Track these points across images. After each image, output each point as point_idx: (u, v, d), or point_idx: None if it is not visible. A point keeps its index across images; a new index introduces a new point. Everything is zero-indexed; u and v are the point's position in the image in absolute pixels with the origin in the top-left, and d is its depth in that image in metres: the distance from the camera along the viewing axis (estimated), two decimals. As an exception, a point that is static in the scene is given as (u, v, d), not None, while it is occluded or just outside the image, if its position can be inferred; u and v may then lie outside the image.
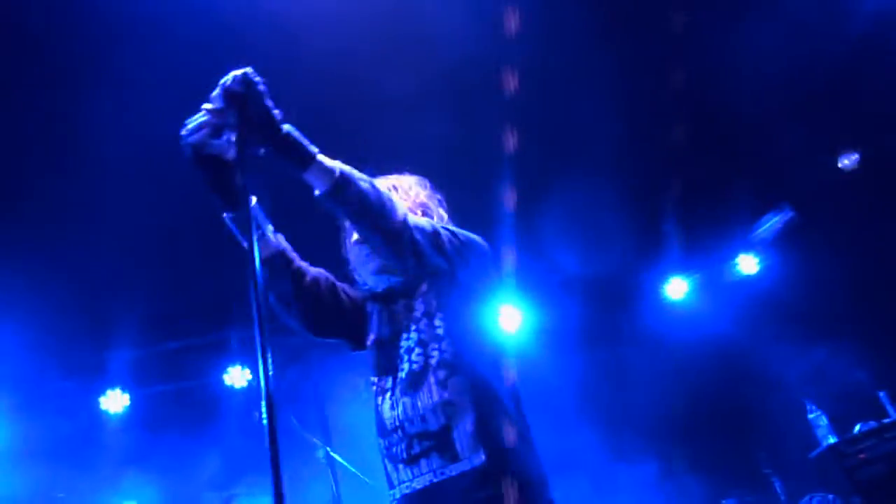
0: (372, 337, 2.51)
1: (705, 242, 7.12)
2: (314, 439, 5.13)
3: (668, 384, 6.74)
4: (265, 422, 1.74)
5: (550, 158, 5.99)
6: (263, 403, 1.70)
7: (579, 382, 6.60)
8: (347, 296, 2.57)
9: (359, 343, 2.55)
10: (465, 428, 2.24)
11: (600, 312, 6.97)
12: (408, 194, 2.60)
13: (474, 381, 2.30)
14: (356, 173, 2.20)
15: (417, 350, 2.36)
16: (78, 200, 5.37)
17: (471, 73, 5.26)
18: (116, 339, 6.60)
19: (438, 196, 2.66)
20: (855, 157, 6.37)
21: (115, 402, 6.58)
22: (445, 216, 2.63)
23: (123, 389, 6.62)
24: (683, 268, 7.21)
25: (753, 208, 7.02)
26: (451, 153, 5.40)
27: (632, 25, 5.52)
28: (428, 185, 2.67)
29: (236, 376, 6.75)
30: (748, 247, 7.17)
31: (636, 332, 7.06)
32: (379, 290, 2.51)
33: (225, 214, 2.27)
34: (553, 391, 6.37)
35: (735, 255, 7.24)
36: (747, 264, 7.23)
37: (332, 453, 5.06)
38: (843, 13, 5.38)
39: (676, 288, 7.25)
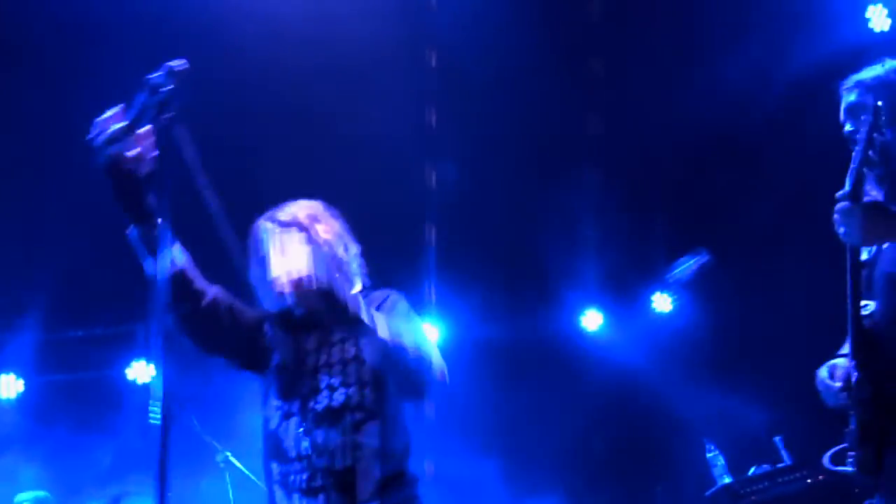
0: (276, 360, 2.49)
1: (624, 278, 7.27)
2: (214, 443, 5.01)
3: (578, 417, 6.84)
4: (157, 421, 1.70)
5: (468, 185, 6.05)
6: (158, 403, 1.67)
7: (489, 412, 6.63)
8: (244, 315, 2.54)
9: (252, 363, 2.53)
10: (369, 474, 2.28)
11: (516, 339, 7.03)
12: (330, 226, 2.58)
13: (388, 431, 2.36)
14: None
15: (341, 389, 2.37)
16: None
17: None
18: (17, 322, 6.34)
19: (342, 222, 2.65)
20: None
21: (7, 387, 6.29)
22: (353, 248, 2.61)
23: (18, 375, 6.35)
24: (601, 300, 7.34)
25: (672, 249, 7.22)
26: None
27: (555, 71, 5.66)
28: (330, 211, 2.66)
29: (140, 371, 6.55)
30: (664, 286, 7.35)
31: (550, 363, 7.15)
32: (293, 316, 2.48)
33: (129, 230, 2.20)
34: (463, 420, 6.39)
35: (651, 292, 7.41)
36: (662, 303, 7.41)
37: (231, 458, 4.93)
38: (763, 76, 5.63)
39: (592, 319, 7.37)
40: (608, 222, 6.61)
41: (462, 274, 6.57)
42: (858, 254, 2.40)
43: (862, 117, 2.40)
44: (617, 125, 6.22)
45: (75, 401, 6.38)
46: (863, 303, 2.44)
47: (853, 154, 2.34)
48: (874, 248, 2.46)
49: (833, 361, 2.59)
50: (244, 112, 5.39)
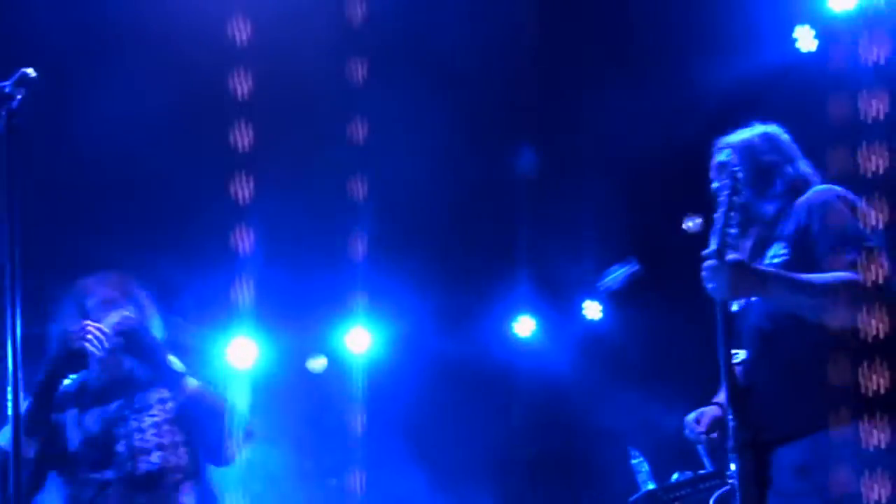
0: (80, 436, 2.61)
1: (556, 285, 7.35)
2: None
3: (508, 424, 6.88)
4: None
5: (398, 192, 6.02)
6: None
7: (419, 419, 6.61)
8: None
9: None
10: None
11: (447, 347, 7.03)
12: (143, 299, 2.90)
13: (205, 490, 2.56)
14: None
15: (158, 453, 2.53)
16: None
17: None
18: None
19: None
20: (699, 221, 6.76)
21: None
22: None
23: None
24: (533, 306, 7.40)
25: (603, 258, 7.32)
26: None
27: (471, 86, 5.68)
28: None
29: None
30: (595, 294, 7.44)
31: (481, 370, 7.17)
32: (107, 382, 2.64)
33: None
34: (393, 428, 6.37)
35: (583, 300, 7.50)
36: (592, 310, 7.50)
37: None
38: (692, 94, 5.76)
39: (525, 326, 7.42)
40: (541, 229, 6.66)
41: (392, 280, 6.54)
42: (728, 307, 2.55)
43: (725, 179, 2.60)
44: (552, 134, 6.28)
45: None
46: (734, 352, 2.61)
47: (716, 215, 2.51)
48: (744, 301, 2.63)
49: (702, 409, 2.80)
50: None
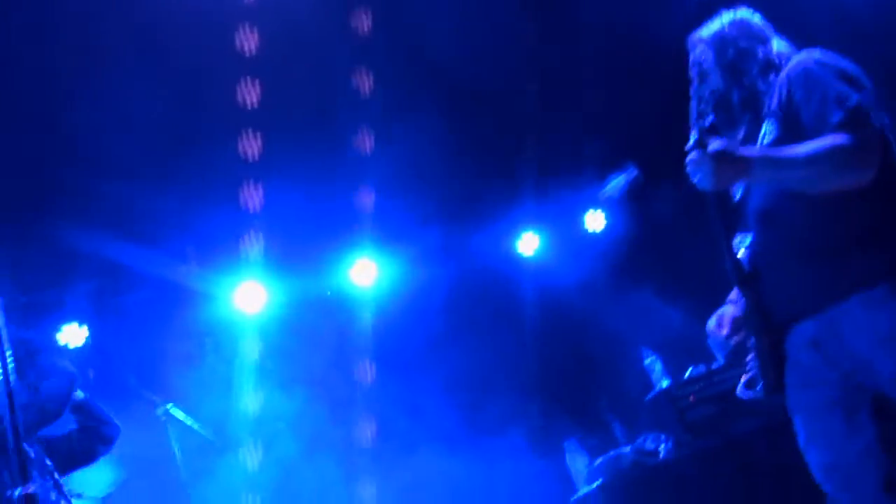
0: None
1: (557, 198, 7.31)
2: (153, 397, 4.94)
3: (521, 342, 6.92)
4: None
5: (401, 117, 5.93)
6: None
7: (431, 344, 6.63)
8: None
9: None
10: None
11: (453, 269, 7.02)
12: None
13: None
14: None
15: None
16: None
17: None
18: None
19: None
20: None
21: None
22: None
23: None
24: (535, 223, 7.37)
25: (602, 167, 7.26)
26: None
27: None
28: None
29: (71, 335, 6.35)
30: (596, 204, 7.42)
31: (489, 289, 7.18)
32: None
33: None
34: (406, 357, 6.39)
35: (584, 211, 7.48)
36: (595, 221, 7.48)
37: (172, 410, 4.88)
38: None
39: (528, 243, 7.41)
40: (540, 143, 6.58)
41: (393, 208, 6.51)
42: (721, 196, 2.56)
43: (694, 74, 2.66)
44: (552, 41, 6.13)
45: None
46: (739, 238, 2.64)
47: (691, 108, 2.52)
48: (743, 186, 2.62)
49: (720, 311, 2.76)
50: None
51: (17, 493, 1.52)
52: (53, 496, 2.88)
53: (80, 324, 6.29)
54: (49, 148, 5.07)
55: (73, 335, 6.34)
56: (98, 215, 5.50)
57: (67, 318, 6.36)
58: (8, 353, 1.70)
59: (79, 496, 4.16)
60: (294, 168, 5.88)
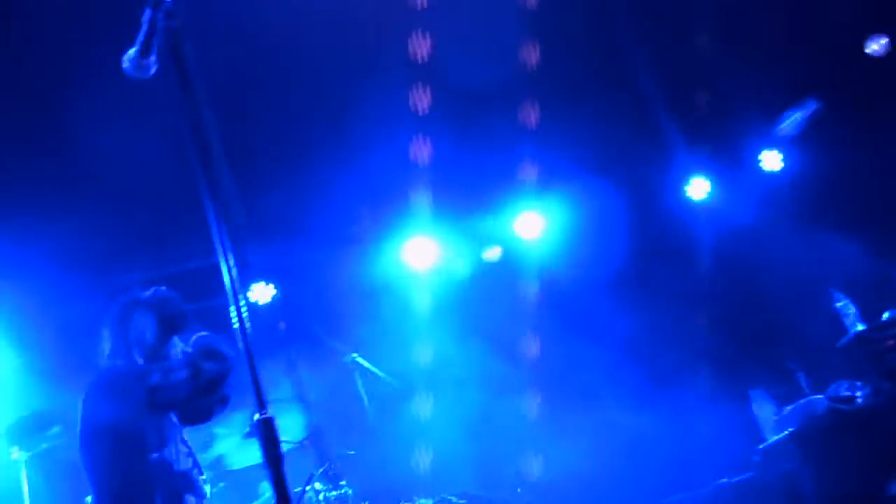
0: None
1: (729, 140, 6.97)
2: (340, 346, 5.19)
3: (697, 289, 6.67)
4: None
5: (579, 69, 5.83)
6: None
7: (604, 295, 6.50)
8: None
9: None
10: None
11: (623, 218, 6.83)
12: None
13: None
14: None
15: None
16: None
17: None
18: (139, 262, 6.62)
19: None
20: (884, 41, 6.14)
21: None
22: None
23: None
24: (706, 167, 7.07)
25: (777, 103, 6.84)
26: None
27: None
28: None
29: (260, 292, 6.76)
30: (772, 143, 7.02)
31: (662, 236, 6.96)
32: None
33: None
34: (578, 309, 6.31)
35: (758, 151, 7.09)
36: (771, 161, 7.09)
37: (358, 359, 5.11)
38: None
39: (698, 187, 7.13)
40: (718, 80, 6.26)
41: (559, 158, 6.43)
42: None
43: None
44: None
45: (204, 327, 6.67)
46: None
47: None
48: None
49: None
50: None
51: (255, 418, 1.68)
52: (190, 462, 3.04)
53: (267, 282, 6.71)
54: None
55: (261, 293, 6.77)
56: (281, 178, 5.78)
57: (255, 278, 6.79)
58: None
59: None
60: (460, 122, 5.92)
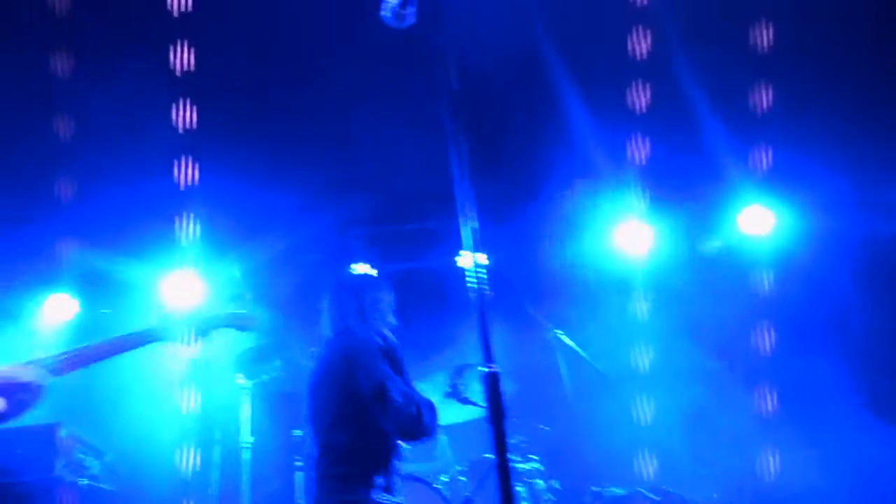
0: None
1: None
2: (545, 322, 5.19)
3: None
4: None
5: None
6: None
7: (835, 307, 5.94)
8: None
9: None
10: None
11: (862, 223, 6.22)
12: None
13: None
14: None
15: None
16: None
17: None
18: (356, 217, 6.97)
19: None
20: None
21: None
22: None
23: (372, 266, 6.99)
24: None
25: None
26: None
27: None
28: None
29: (467, 260, 6.88)
30: None
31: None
32: None
33: None
34: (807, 318, 5.84)
35: None
36: None
37: (562, 336, 5.08)
38: None
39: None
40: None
41: (795, 152, 5.96)
42: None
43: None
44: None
45: (410, 288, 6.91)
46: None
47: None
48: None
49: None
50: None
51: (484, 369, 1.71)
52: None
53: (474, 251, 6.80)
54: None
55: (467, 262, 6.90)
56: (511, 152, 5.84)
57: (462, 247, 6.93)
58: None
59: (473, 403, 4.55)
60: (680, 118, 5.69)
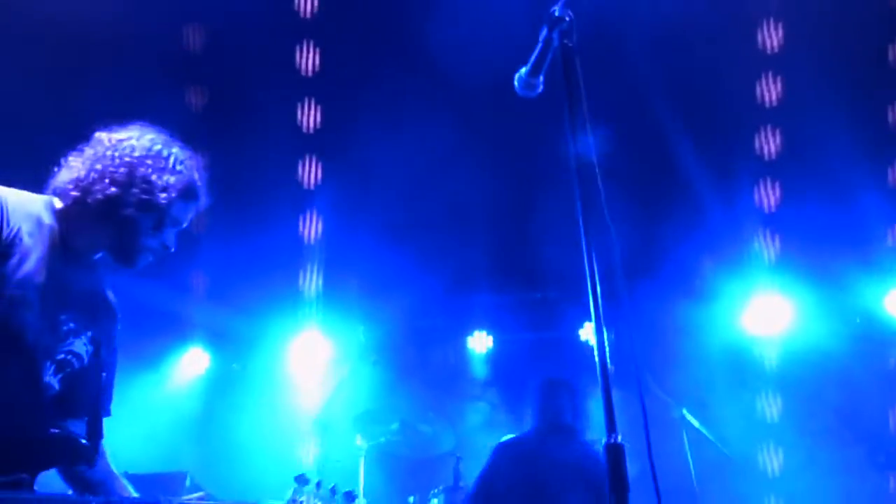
0: None
1: None
2: (668, 399, 4.98)
3: None
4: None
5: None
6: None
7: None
8: None
9: None
10: None
11: None
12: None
13: None
14: None
15: None
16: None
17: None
18: (482, 285, 6.98)
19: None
20: None
21: (480, 342, 6.99)
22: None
23: (488, 332, 7.00)
24: None
25: None
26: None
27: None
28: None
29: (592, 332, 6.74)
30: None
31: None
32: None
33: None
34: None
35: None
36: None
37: (688, 416, 4.86)
38: None
39: None
40: None
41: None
42: None
43: None
44: None
45: (536, 356, 6.83)
46: None
47: None
48: None
49: None
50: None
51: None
52: None
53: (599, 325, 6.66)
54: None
55: (591, 335, 6.76)
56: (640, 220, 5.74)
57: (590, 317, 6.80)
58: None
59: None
60: (814, 167, 5.39)
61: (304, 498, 2.41)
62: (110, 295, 2.27)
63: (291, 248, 6.07)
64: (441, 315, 6.96)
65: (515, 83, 2.29)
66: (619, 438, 1.67)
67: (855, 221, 5.58)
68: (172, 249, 2.19)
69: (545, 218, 6.09)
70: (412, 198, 5.81)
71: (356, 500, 2.54)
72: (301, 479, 2.43)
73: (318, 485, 2.46)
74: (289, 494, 2.36)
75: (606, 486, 3.17)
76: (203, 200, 2.24)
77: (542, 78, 2.26)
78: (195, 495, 2.59)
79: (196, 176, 2.20)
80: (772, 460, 5.68)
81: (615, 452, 1.65)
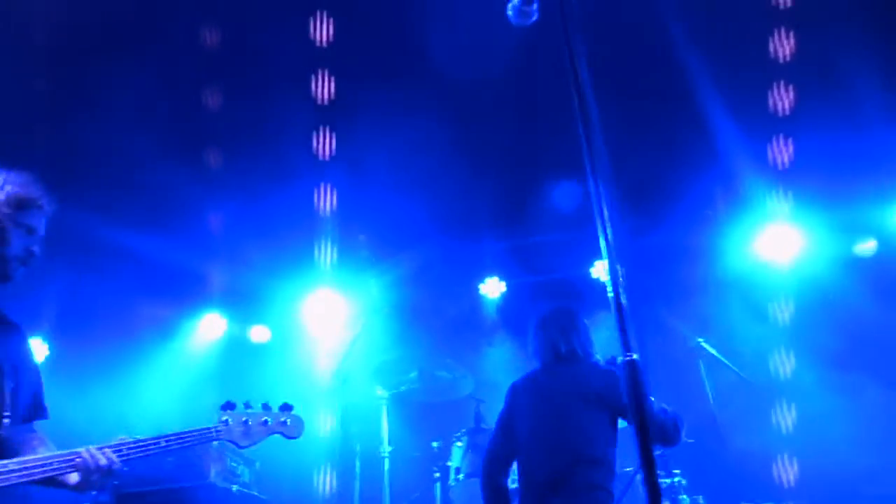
0: None
1: None
2: (685, 330, 5.02)
3: None
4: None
5: None
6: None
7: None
8: None
9: None
10: None
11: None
12: None
13: None
14: None
15: None
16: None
17: None
18: (493, 231, 6.99)
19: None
20: None
21: (493, 288, 7.03)
22: None
23: (501, 278, 7.02)
24: None
25: None
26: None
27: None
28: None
29: (603, 270, 6.74)
30: None
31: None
32: None
33: None
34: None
35: None
36: None
37: (704, 344, 4.89)
38: None
39: None
40: None
41: None
42: None
43: None
44: None
45: (550, 297, 6.84)
46: None
47: None
48: None
49: None
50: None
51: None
52: None
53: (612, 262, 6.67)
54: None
55: (603, 273, 6.75)
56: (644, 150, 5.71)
57: (599, 256, 6.80)
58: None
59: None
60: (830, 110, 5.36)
61: (227, 417, 2.64)
62: (8, 315, 2.56)
63: (307, 213, 6.11)
64: (452, 263, 6.98)
65: (509, 12, 2.26)
66: (635, 356, 1.68)
67: (869, 149, 5.55)
68: (37, 254, 2.51)
69: (549, 159, 6.09)
70: (418, 151, 5.81)
71: (291, 410, 2.67)
72: (227, 405, 2.58)
73: (247, 404, 2.73)
74: (216, 418, 2.50)
75: (622, 400, 3.23)
76: (47, 208, 2.55)
77: (535, 6, 2.23)
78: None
79: (27, 189, 2.53)
80: (785, 381, 5.71)
81: (632, 368, 1.67)
